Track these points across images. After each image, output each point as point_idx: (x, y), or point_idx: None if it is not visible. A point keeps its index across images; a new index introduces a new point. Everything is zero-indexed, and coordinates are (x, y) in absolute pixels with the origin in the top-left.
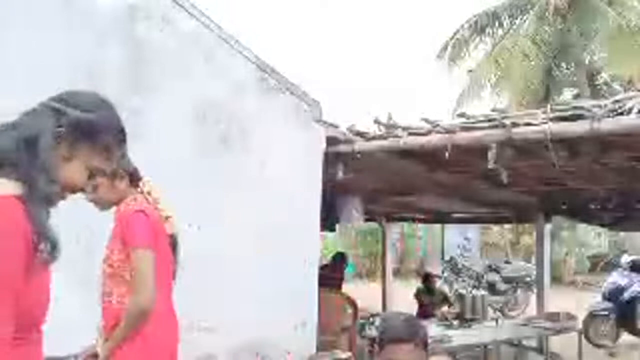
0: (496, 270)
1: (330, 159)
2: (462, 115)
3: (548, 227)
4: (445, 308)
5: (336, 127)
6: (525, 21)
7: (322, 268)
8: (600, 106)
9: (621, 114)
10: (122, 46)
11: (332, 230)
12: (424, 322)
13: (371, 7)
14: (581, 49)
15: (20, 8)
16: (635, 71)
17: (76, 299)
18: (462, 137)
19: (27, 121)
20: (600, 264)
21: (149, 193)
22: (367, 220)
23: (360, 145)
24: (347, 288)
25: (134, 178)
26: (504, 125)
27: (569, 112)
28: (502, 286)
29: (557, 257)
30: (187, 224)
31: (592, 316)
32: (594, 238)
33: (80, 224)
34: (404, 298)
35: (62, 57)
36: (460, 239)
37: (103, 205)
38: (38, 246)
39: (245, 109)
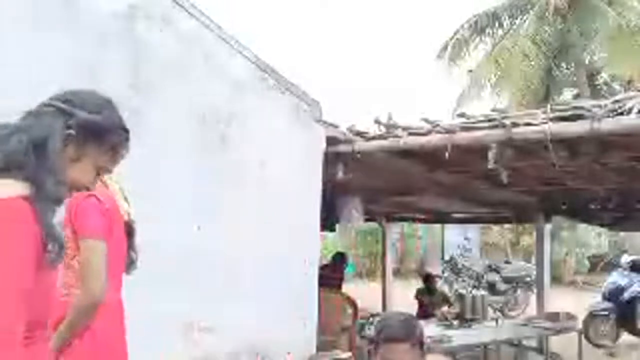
0: (496, 270)
1: (330, 159)
2: (462, 115)
3: (548, 227)
4: (445, 308)
5: (336, 127)
6: (525, 21)
7: (322, 268)
8: (600, 106)
9: (621, 114)
10: (122, 46)
11: (332, 230)
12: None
13: (371, 7)
14: (581, 49)
15: (20, 8)
16: (635, 71)
17: None
18: (462, 137)
19: (35, 123)
20: (600, 264)
21: (104, 181)
22: (367, 220)
23: (360, 145)
24: (347, 288)
25: None
26: (504, 125)
27: (569, 112)
28: (502, 286)
29: (557, 257)
30: (187, 224)
31: (592, 316)
32: (594, 238)
33: None
34: (404, 298)
35: (61, 56)
36: (460, 239)
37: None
38: (46, 247)
39: (245, 109)
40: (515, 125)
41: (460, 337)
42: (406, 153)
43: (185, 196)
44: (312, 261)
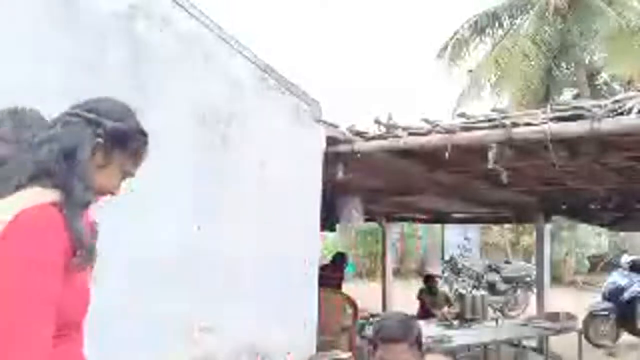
0: (496, 270)
1: (330, 159)
2: (462, 115)
3: (548, 227)
4: (445, 308)
5: (336, 127)
6: (525, 21)
7: (322, 268)
8: (600, 106)
9: (621, 114)
10: (122, 46)
11: (332, 230)
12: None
13: (371, 7)
14: (581, 49)
15: (19, 7)
16: (635, 71)
17: None
18: (462, 137)
19: (64, 133)
20: (600, 264)
21: None
22: (367, 220)
23: (360, 145)
24: (347, 288)
25: None
26: (504, 125)
27: (569, 112)
28: (502, 286)
29: (557, 257)
30: (187, 224)
31: (592, 316)
32: (594, 238)
33: None
34: (404, 298)
35: (61, 56)
36: (460, 239)
37: None
38: (76, 251)
39: (245, 109)
40: (515, 125)
41: (460, 337)
42: (406, 153)
43: (185, 196)
44: (312, 261)
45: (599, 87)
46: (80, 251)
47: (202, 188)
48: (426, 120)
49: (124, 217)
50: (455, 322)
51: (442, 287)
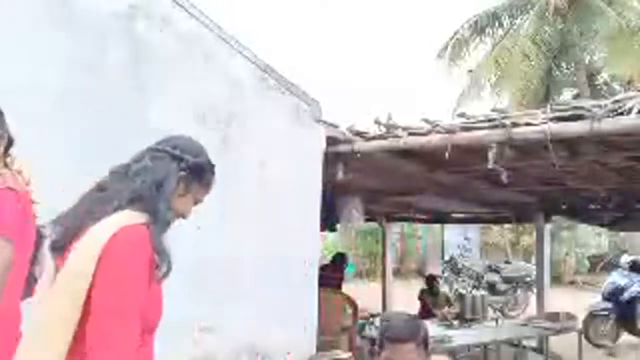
0: (496, 270)
1: (330, 159)
2: (462, 115)
3: (548, 227)
4: (445, 308)
5: (336, 127)
6: (525, 21)
7: (322, 268)
8: (600, 106)
9: (621, 114)
10: (122, 46)
11: (332, 230)
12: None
13: (371, 7)
14: (581, 49)
15: (19, 7)
16: (635, 71)
17: None
18: (462, 137)
19: (154, 166)
20: (600, 264)
21: (19, 172)
22: (367, 220)
23: (360, 145)
24: (347, 288)
25: (8, 146)
26: (504, 125)
27: (569, 112)
28: (502, 286)
29: (557, 257)
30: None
31: (592, 316)
32: (594, 238)
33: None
34: (404, 298)
35: (61, 57)
36: (460, 239)
37: None
38: (159, 265)
39: (245, 109)
40: (515, 125)
41: (460, 337)
42: (406, 153)
43: None
44: (312, 261)
45: (599, 87)
46: (165, 264)
47: None
48: (426, 120)
49: None
50: (455, 322)
51: (442, 287)
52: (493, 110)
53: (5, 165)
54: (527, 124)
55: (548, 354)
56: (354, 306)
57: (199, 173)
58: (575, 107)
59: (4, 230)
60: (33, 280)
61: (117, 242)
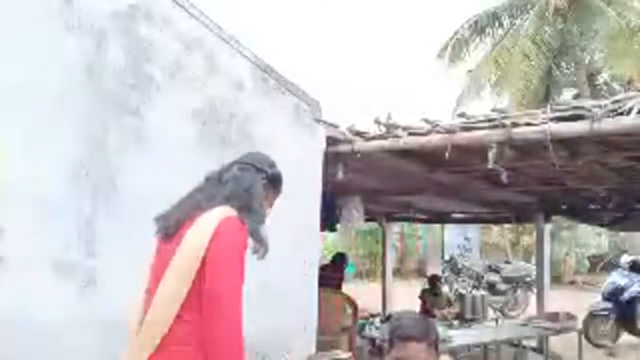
0: (496, 270)
1: (330, 159)
2: (462, 115)
3: (548, 227)
4: (445, 309)
5: (336, 127)
6: (525, 21)
7: (322, 268)
8: (600, 106)
9: (621, 114)
10: (122, 46)
11: (332, 230)
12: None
13: (371, 7)
14: (581, 49)
15: (19, 7)
16: (635, 71)
17: (76, 300)
18: (462, 137)
19: (242, 175)
20: (600, 264)
21: None
22: (367, 220)
23: (360, 145)
24: (347, 288)
25: None
26: (504, 125)
27: (569, 112)
28: (502, 286)
29: (557, 257)
30: None
31: (592, 316)
32: (594, 238)
33: (81, 225)
34: (404, 298)
35: (61, 57)
36: (460, 239)
37: None
38: (257, 250)
39: (245, 109)
40: (515, 125)
41: (460, 337)
42: (406, 153)
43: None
44: (312, 262)
45: (599, 87)
46: (263, 249)
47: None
48: (426, 120)
49: (124, 217)
50: (455, 322)
51: (442, 287)
52: (493, 110)
53: None
54: (527, 124)
55: (548, 354)
56: (354, 306)
57: (275, 182)
58: (575, 107)
59: None
60: None
61: (225, 227)
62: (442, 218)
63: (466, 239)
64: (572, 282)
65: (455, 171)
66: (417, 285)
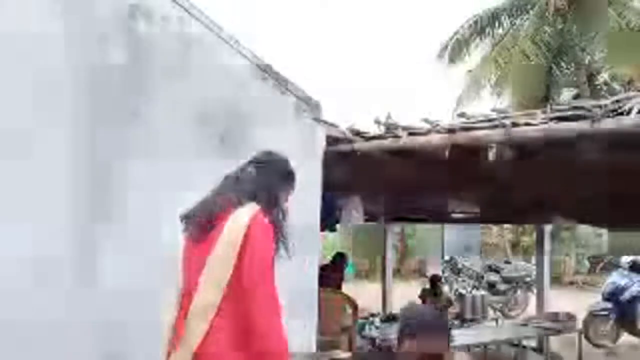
0: (496, 270)
1: (330, 159)
2: (462, 115)
3: (548, 227)
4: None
5: (336, 127)
6: (525, 21)
7: (322, 268)
8: (600, 106)
9: (621, 114)
10: (122, 46)
11: (332, 230)
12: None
13: (371, 7)
14: (581, 49)
15: (19, 7)
16: (635, 71)
17: (77, 299)
18: (462, 137)
19: (264, 174)
20: (600, 264)
21: None
22: (367, 220)
23: (360, 145)
24: (347, 288)
25: None
26: (504, 125)
27: (569, 112)
28: (502, 286)
29: (557, 257)
30: None
31: (592, 316)
32: (594, 238)
33: (81, 225)
34: (404, 298)
35: (61, 57)
36: (460, 239)
37: None
38: (286, 245)
39: (245, 109)
40: (515, 125)
41: (460, 337)
42: (406, 153)
43: (185, 196)
44: (312, 261)
45: (599, 87)
46: (289, 243)
47: (202, 188)
48: (426, 120)
49: (124, 217)
50: (456, 322)
51: (442, 287)
52: (493, 110)
53: None
54: (527, 124)
55: (548, 354)
56: (354, 306)
57: (290, 178)
58: (575, 107)
59: None
60: None
61: (258, 222)
62: (442, 218)
63: (466, 239)
64: (572, 282)
65: (455, 171)
66: (417, 285)
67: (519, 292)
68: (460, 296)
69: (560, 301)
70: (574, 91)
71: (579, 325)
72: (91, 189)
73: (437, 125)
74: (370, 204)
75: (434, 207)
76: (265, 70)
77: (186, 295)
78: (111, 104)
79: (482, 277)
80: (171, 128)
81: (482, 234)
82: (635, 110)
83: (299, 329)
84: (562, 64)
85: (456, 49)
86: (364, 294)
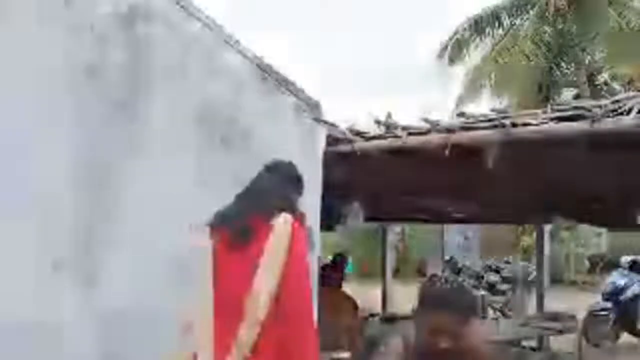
0: (496, 270)
1: (330, 159)
2: (462, 115)
3: (548, 227)
4: None
5: (336, 127)
6: (525, 21)
7: (323, 268)
8: (600, 106)
9: (621, 114)
10: (122, 46)
11: (332, 230)
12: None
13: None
14: (581, 49)
15: (20, 8)
16: (635, 71)
17: (76, 300)
18: (462, 137)
19: (280, 183)
20: (600, 264)
21: None
22: (367, 220)
23: (360, 145)
24: (347, 288)
25: None
26: (503, 125)
27: (569, 112)
28: (502, 286)
29: (557, 257)
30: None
31: (592, 316)
32: (594, 238)
33: (81, 224)
34: (404, 298)
35: (61, 57)
36: (460, 239)
37: None
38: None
39: (245, 109)
40: (515, 125)
41: None
42: (406, 153)
43: (185, 196)
44: (312, 261)
45: (599, 87)
46: (312, 242)
47: (202, 188)
48: (426, 120)
49: (123, 218)
50: None
51: None
52: (493, 110)
53: None
54: (527, 124)
55: (548, 354)
56: (354, 306)
57: (299, 184)
58: (575, 107)
59: None
60: None
61: (297, 229)
62: (442, 218)
63: (466, 238)
64: (572, 282)
65: (455, 171)
66: (417, 286)
67: (519, 292)
68: None
69: (560, 301)
70: (574, 91)
71: (579, 325)
72: (91, 189)
73: (437, 125)
74: (370, 203)
75: (434, 207)
76: (265, 70)
77: (225, 300)
78: (111, 104)
79: (482, 277)
80: (171, 128)
81: (482, 234)
82: (635, 110)
83: None
84: (562, 64)
85: (456, 49)
86: (364, 294)
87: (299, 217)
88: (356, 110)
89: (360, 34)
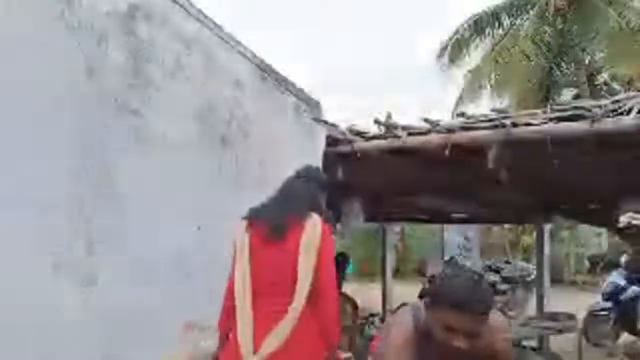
0: (496, 270)
1: (330, 159)
2: (462, 115)
3: (548, 227)
4: None
5: (336, 127)
6: (525, 21)
7: None
8: (600, 106)
9: (621, 114)
10: (122, 46)
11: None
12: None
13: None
14: (581, 49)
15: (19, 7)
16: (635, 71)
17: (76, 300)
18: (462, 137)
19: (312, 188)
20: (600, 264)
21: None
22: (367, 220)
23: (360, 145)
24: (347, 288)
25: None
26: (504, 125)
27: (569, 112)
28: (502, 286)
29: (557, 257)
30: (187, 224)
31: (592, 316)
32: (594, 238)
33: (81, 224)
34: (404, 298)
35: (61, 57)
36: (460, 239)
37: None
38: None
39: (245, 109)
40: (515, 125)
41: None
42: (406, 153)
43: (185, 196)
44: None
45: (599, 87)
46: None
47: (202, 188)
48: (426, 120)
49: (124, 217)
50: None
51: None
52: (493, 110)
53: None
54: (527, 124)
55: (548, 354)
56: (354, 306)
57: (327, 188)
58: (575, 107)
59: None
60: None
61: (326, 228)
62: (442, 218)
63: (466, 239)
64: (572, 282)
65: (455, 171)
66: (417, 286)
67: (518, 292)
68: None
69: (560, 301)
70: (574, 91)
71: (579, 325)
72: (91, 189)
73: (437, 125)
74: (370, 203)
75: (434, 207)
76: (265, 70)
77: (261, 288)
78: (111, 104)
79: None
80: (171, 128)
81: (482, 234)
82: (635, 110)
83: None
84: (562, 64)
85: (456, 49)
86: (364, 293)
87: (325, 217)
88: (356, 110)
89: (360, 34)
